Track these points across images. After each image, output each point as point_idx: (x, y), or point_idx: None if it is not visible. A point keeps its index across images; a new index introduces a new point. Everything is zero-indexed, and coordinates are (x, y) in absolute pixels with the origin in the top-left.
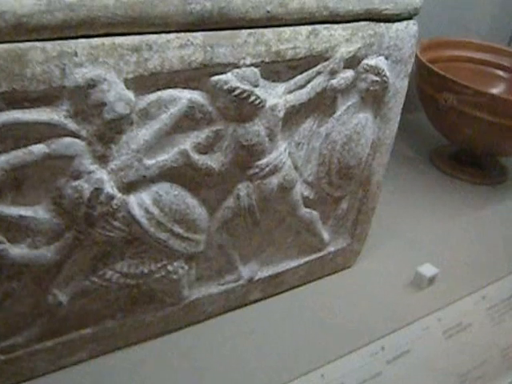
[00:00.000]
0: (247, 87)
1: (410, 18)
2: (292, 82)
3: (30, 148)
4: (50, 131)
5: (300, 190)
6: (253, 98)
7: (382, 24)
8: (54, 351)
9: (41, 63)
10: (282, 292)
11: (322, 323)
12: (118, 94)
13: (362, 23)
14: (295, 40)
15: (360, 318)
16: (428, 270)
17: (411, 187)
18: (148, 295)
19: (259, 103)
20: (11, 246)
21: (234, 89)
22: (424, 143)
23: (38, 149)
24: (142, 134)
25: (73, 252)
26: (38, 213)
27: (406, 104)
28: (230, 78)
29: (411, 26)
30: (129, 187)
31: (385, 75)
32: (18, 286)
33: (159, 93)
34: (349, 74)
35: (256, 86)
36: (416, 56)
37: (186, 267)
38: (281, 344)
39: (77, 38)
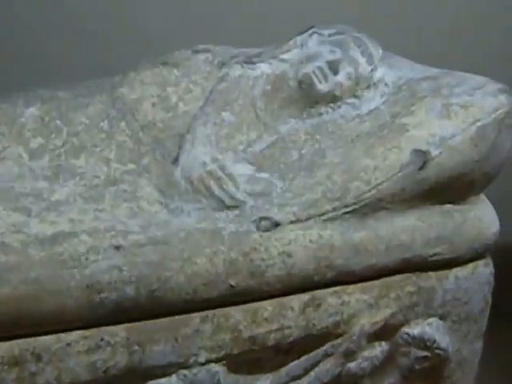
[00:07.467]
0: None
1: (479, 257)
2: (283, 370)
3: None
4: None
5: None
6: None
7: (430, 274)
8: None
9: None
10: None
11: None
12: None
13: (396, 277)
14: (282, 318)
15: None
16: None
17: None
18: None
19: None
20: None
21: None
22: None
23: None
24: None
25: None
26: None
27: None
28: None
29: (482, 269)
30: None
31: (438, 347)
32: None
33: None
34: (378, 350)
35: None
36: None
37: None
38: None
39: None
